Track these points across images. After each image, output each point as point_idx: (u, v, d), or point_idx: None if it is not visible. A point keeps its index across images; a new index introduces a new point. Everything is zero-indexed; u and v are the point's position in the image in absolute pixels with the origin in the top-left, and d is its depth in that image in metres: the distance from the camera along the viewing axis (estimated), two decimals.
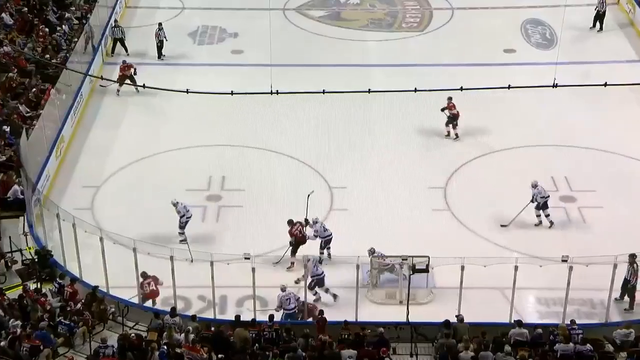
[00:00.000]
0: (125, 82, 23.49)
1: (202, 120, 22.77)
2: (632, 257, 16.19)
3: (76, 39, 24.90)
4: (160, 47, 25.95)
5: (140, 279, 16.38)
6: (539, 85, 19.46)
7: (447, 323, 15.13)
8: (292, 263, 17.49)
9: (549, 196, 18.75)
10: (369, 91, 18.25)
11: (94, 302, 15.98)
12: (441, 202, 19.53)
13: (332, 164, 20.74)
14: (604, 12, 27.07)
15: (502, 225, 18.48)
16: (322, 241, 17.70)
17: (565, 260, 15.50)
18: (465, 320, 15.28)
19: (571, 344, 14.68)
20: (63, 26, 25.92)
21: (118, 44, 26.27)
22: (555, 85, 18.25)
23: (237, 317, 15.60)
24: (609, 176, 20.23)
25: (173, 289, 16.05)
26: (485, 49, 26.24)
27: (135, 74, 23.89)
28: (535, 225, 18.70)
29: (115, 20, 26.77)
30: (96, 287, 16.26)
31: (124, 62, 24.29)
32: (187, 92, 18.64)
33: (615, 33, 27.31)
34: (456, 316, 15.38)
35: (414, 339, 15.43)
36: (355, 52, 26.46)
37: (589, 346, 14.69)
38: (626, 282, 16.31)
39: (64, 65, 22.53)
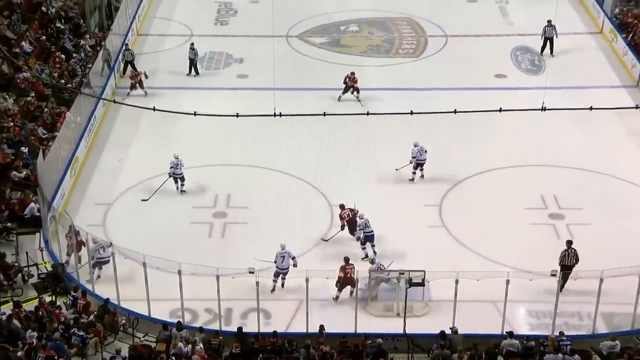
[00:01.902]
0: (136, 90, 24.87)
1: (209, 141, 22.83)
2: (570, 242, 16.94)
3: (90, 65, 25.07)
4: (190, 65, 26.57)
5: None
6: (529, 109, 19.52)
7: (442, 334, 15.09)
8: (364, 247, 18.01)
9: (425, 160, 20.55)
10: (368, 114, 18.31)
11: (106, 314, 15.97)
12: (436, 219, 19.54)
13: (333, 182, 20.74)
14: (552, 38, 27.14)
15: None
16: (363, 236, 17.94)
17: (554, 275, 15.53)
18: (460, 332, 15.25)
19: (560, 355, 14.65)
20: (79, 53, 26.08)
21: (129, 66, 26.55)
22: (544, 109, 18.31)
23: (239, 329, 15.56)
24: (596, 194, 20.25)
25: (181, 301, 16.05)
26: (477, 74, 26.34)
27: (146, 77, 25.18)
28: (410, 180, 20.57)
29: (126, 44, 27.00)
30: (108, 299, 16.25)
31: (132, 70, 25.38)
32: (195, 114, 18.73)
33: (600, 60, 27.41)
34: (451, 328, 15.35)
35: (410, 349, 15.39)
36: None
37: (577, 357, 14.66)
38: (569, 267, 16.58)
39: (78, 90, 22.65)
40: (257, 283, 15.51)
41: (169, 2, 32.47)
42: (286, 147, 22.53)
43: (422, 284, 15.92)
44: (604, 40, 28.59)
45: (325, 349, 14.83)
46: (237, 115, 18.88)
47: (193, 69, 26.75)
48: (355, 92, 24.42)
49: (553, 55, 27.23)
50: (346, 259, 16.94)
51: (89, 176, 21.46)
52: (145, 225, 19.42)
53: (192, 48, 26.72)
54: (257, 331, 15.73)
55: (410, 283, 15.75)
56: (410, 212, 19.66)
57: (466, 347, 14.87)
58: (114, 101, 22.53)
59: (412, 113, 18.57)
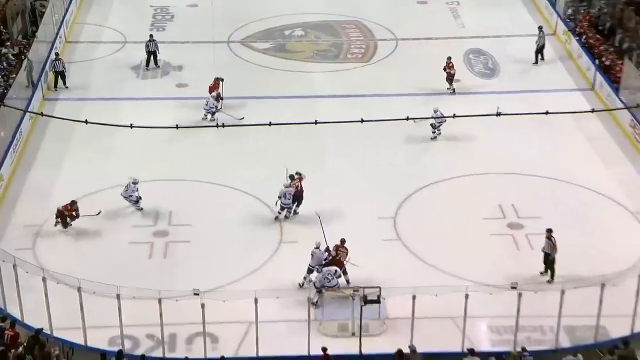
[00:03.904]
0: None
1: (147, 155, 22.61)
2: (549, 231, 17.93)
3: (14, 75, 24.58)
4: (149, 58, 27.04)
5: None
6: (482, 114, 19.82)
7: (400, 354, 15.17)
8: (293, 212, 20.09)
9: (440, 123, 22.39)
10: (316, 122, 18.37)
11: (37, 345, 15.59)
12: (391, 232, 19.70)
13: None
14: (543, 45, 27.87)
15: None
16: (279, 204, 19.79)
17: (515, 287, 15.75)
18: (418, 351, 15.36)
19: None
20: (1, 62, 25.55)
21: (59, 77, 26.15)
22: (498, 114, 18.64)
23: (186, 359, 15.37)
24: (554, 202, 20.68)
25: (120, 328, 15.80)
26: (430, 79, 26.70)
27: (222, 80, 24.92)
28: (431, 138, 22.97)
29: (57, 54, 26.60)
30: (41, 329, 15.88)
31: (216, 78, 24.80)
32: (131, 126, 18.44)
33: (554, 63, 28.14)
34: (409, 346, 15.45)
35: None
36: (301, 83, 26.70)
37: None
38: (546, 255, 17.80)
39: (1, 102, 22.14)
40: (203, 305, 15.38)
41: (99, 7, 32.22)
42: (230, 159, 22.48)
43: (377, 301, 15.99)
44: (558, 42, 29.35)
45: None
46: (177, 127, 18.78)
47: (153, 61, 26.96)
48: (449, 81, 25.87)
49: (542, 60, 27.83)
50: (291, 176, 19.90)
51: (16, 196, 21.01)
52: (80, 247, 19.13)
53: (152, 40, 26.95)
54: (203, 357, 15.58)
55: (365, 300, 15.82)
56: (364, 225, 19.77)
57: None
58: (42, 114, 22.03)
59: (362, 121, 18.64)
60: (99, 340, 16.12)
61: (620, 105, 23.79)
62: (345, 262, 17.60)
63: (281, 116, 22.28)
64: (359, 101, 25.26)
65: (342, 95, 25.85)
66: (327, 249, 17.66)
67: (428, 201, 20.90)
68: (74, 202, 19.51)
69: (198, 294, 15.41)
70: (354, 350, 15.85)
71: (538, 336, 16.59)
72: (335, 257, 17.64)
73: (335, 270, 17.25)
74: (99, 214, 19.71)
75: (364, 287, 16.10)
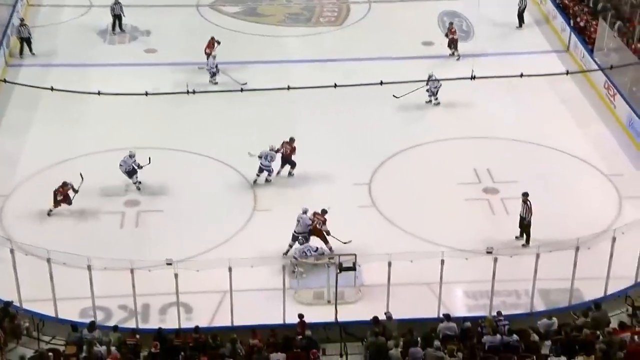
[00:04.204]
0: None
1: (116, 122, 22.20)
2: (525, 195, 17.82)
3: None
4: (115, 22, 26.56)
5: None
6: (457, 78, 19.68)
7: (376, 321, 15.12)
8: (278, 172, 20.06)
9: (435, 88, 22.11)
10: (288, 88, 18.11)
11: (6, 317, 15.33)
12: (366, 198, 19.56)
13: (254, 163, 20.48)
14: (525, 7, 27.65)
15: None
16: (259, 165, 19.55)
17: (490, 252, 15.72)
18: (394, 317, 15.32)
19: (498, 336, 14.88)
20: None
21: (25, 44, 25.48)
22: (473, 77, 18.50)
23: (159, 329, 15.19)
24: (529, 166, 20.65)
25: (92, 299, 15.57)
26: (404, 42, 26.50)
27: (219, 43, 24.46)
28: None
29: (22, 19, 25.89)
30: (10, 302, 15.59)
31: (212, 38, 24.49)
32: (99, 93, 18.12)
33: (530, 24, 28.04)
34: (385, 313, 15.41)
35: (343, 338, 15.38)
36: (273, 48, 26.33)
37: (515, 336, 14.92)
38: (522, 219, 17.83)
39: None
40: (176, 275, 15.19)
41: None
42: (202, 127, 22.16)
43: (353, 269, 15.90)
44: (533, 4, 29.16)
45: (252, 342, 14.68)
46: (147, 94, 18.41)
47: (118, 26, 26.44)
48: (453, 46, 25.38)
49: (523, 24, 27.62)
50: (291, 139, 19.58)
51: None
52: (49, 217, 18.77)
53: (117, 3, 26.47)
54: (177, 327, 15.44)
55: (341, 268, 15.72)
56: (338, 192, 19.63)
57: (401, 333, 14.96)
58: (5, 81, 21.55)
59: (335, 86, 18.50)
60: (70, 312, 15.88)
61: (595, 66, 23.75)
62: (324, 231, 17.50)
63: (253, 82, 22.07)
64: (332, 65, 24.96)
65: (316, 59, 25.50)
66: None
67: (403, 167, 20.79)
68: (65, 184, 18.81)
69: (171, 264, 15.21)
70: (330, 318, 15.77)
71: (513, 300, 16.64)
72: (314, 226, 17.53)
73: (317, 249, 17.13)
74: (82, 181, 19.13)
75: (339, 255, 16.00)
